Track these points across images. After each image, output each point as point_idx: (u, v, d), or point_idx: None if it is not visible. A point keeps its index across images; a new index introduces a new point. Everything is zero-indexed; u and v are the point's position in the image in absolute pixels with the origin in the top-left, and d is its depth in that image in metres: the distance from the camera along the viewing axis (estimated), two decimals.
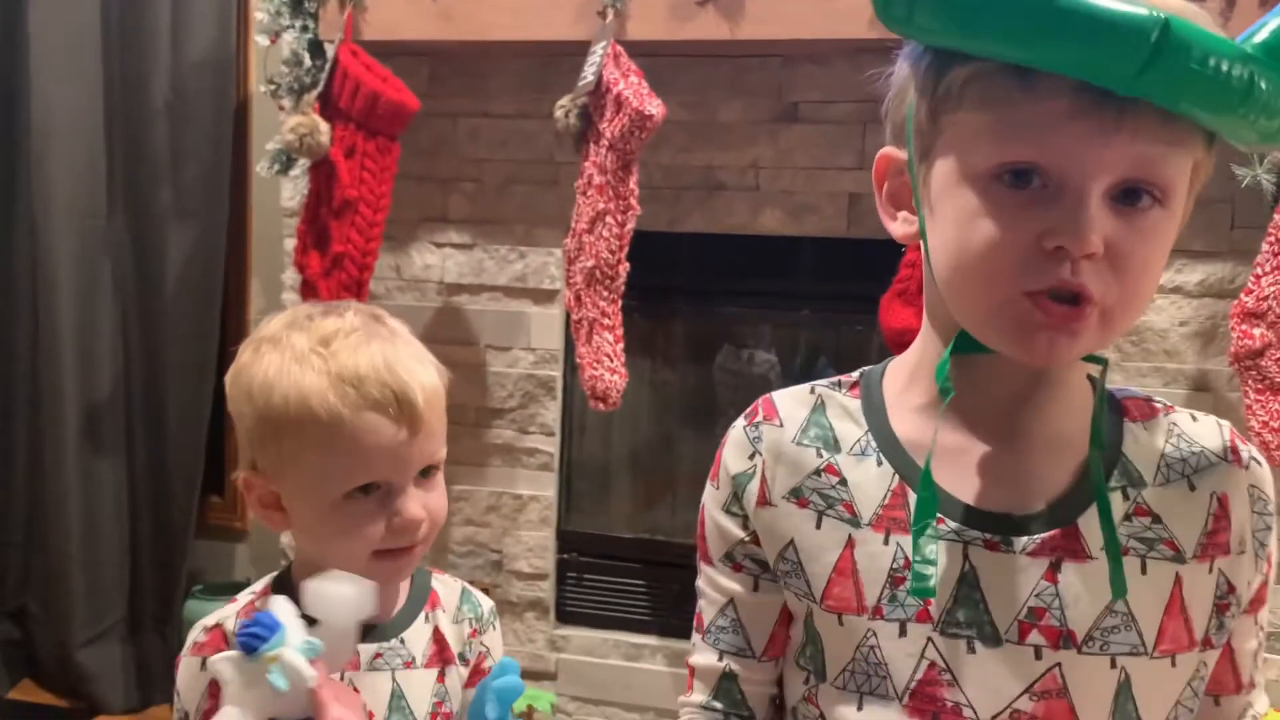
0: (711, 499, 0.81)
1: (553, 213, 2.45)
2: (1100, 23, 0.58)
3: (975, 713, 0.69)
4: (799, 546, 0.76)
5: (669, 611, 2.54)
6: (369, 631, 0.91)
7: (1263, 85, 0.60)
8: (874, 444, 0.75)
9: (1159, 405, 0.76)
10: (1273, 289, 1.95)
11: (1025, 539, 0.70)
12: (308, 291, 2.36)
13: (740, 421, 0.81)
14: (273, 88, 2.42)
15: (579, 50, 2.22)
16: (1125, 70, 0.59)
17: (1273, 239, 1.97)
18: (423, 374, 0.89)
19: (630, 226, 2.20)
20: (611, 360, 2.24)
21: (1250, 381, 1.98)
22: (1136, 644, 0.69)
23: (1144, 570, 0.70)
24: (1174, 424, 0.75)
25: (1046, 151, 0.64)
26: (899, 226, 0.74)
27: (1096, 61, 0.60)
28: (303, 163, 2.37)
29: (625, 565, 2.59)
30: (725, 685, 0.81)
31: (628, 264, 2.21)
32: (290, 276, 2.53)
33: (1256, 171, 1.97)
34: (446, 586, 1.00)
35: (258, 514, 0.92)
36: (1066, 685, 0.69)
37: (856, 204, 2.32)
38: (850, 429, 0.77)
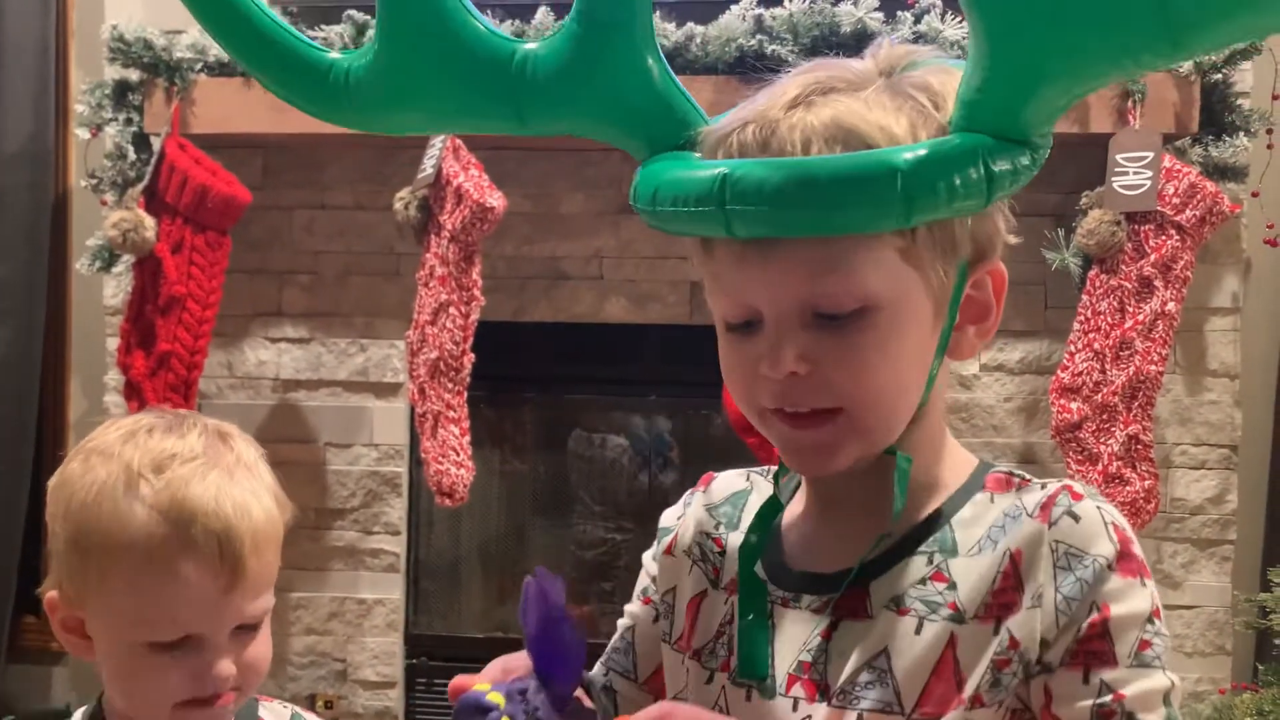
0: (647, 554, 0.89)
1: (394, 304, 2.41)
2: (684, 195, 0.68)
3: None
4: (677, 592, 0.84)
5: None
6: None
7: (838, 190, 0.65)
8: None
9: (1016, 479, 0.75)
10: (1085, 365, 2.08)
11: (812, 597, 0.74)
12: (132, 394, 2.24)
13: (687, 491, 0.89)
14: (94, 182, 2.32)
15: (417, 143, 2.21)
16: (716, 226, 0.67)
17: (1082, 318, 2.10)
18: (259, 515, 0.81)
19: (474, 317, 2.18)
20: (458, 454, 2.19)
21: (1071, 453, 2.09)
22: (890, 702, 0.69)
23: (918, 630, 0.70)
24: (1018, 497, 0.73)
25: (737, 300, 0.71)
26: None
27: (698, 224, 0.69)
28: (126, 259, 2.27)
29: (478, 668, 2.50)
30: (602, 701, 0.86)
31: (473, 355, 2.19)
32: (113, 378, 2.41)
33: (1064, 256, 2.11)
34: (275, 715, 0.93)
35: (60, 638, 0.85)
36: None
37: (698, 292, 2.37)
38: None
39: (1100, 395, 2.06)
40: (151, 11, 2.39)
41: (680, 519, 0.86)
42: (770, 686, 0.73)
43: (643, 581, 0.89)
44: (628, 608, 0.90)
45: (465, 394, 2.20)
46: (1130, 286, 2.05)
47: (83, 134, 2.34)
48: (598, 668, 0.89)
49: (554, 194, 2.40)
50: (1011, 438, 2.31)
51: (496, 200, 2.14)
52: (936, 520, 0.73)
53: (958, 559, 0.71)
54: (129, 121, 2.30)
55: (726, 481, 0.86)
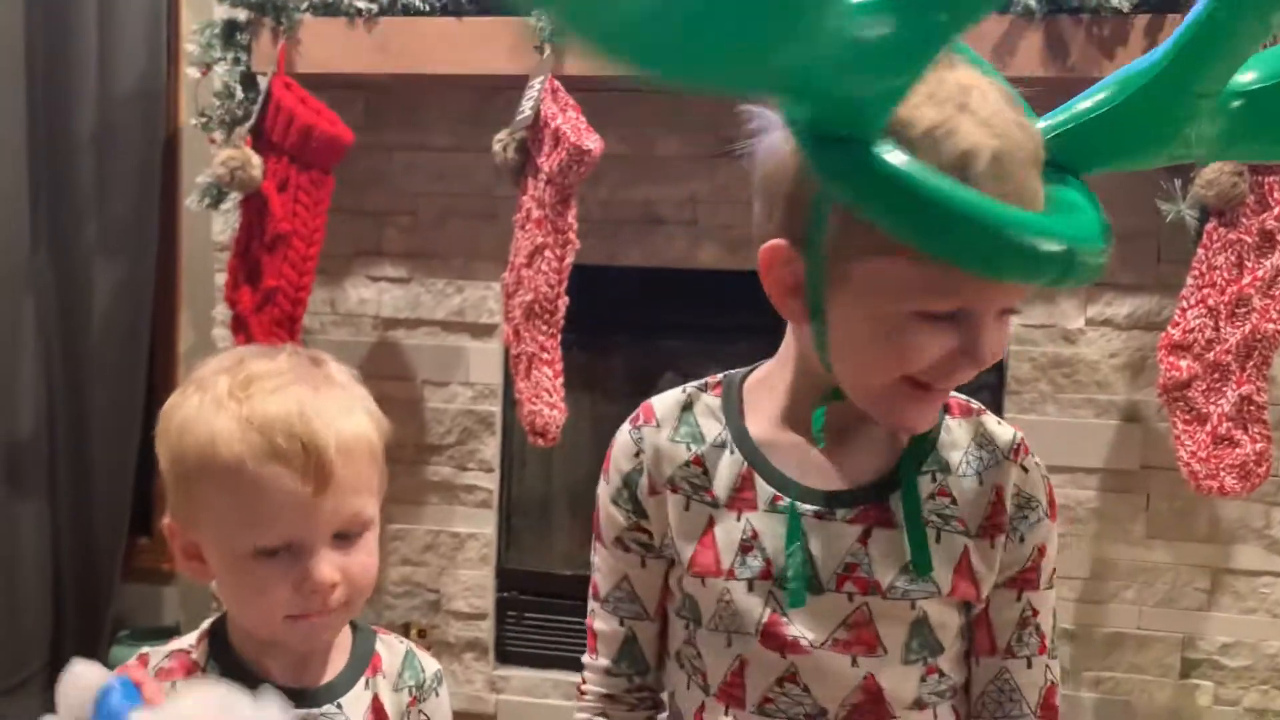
0: (604, 491, 0.99)
1: (491, 246, 2.43)
2: (1029, 256, 0.76)
3: (809, 641, 0.90)
4: (673, 525, 0.94)
5: None
6: (300, 696, 0.87)
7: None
8: (729, 436, 0.94)
9: (974, 406, 0.95)
10: (1198, 322, 2.00)
11: (846, 510, 0.90)
12: (238, 327, 2.31)
13: (626, 425, 0.98)
14: (204, 120, 2.38)
15: (516, 84, 2.21)
16: (1043, 282, 0.81)
17: (1196, 273, 2.01)
18: (345, 424, 0.84)
19: (569, 260, 2.19)
20: (551, 395, 2.22)
21: (1178, 413, 2.02)
22: (932, 590, 0.89)
23: (938, 539, 0.90)
24: (981, 424, 0.94)
25: (963, 300, 0.81)
26: (792, 310, 0.87)
27: (1025, 278, 0.80)
28: (234, 196, 2.33)
29: (566, 603, 2.55)
30: (628, 648, 0.99)
31: (567, 298, 2.20)
32: (221, 312, 2.48)
33: (1180, 207, 2.02)
34: (390, 650, 0.95)
35: (180, 565, 0.89)
36: (872, 617, 0.89)
37: None
38: (711, 424, 0.95)
39: (1212, 353, 1.98)
40: None
41: (638, 457, 0.96)
42: (818, 585, 0.89)
43: (611, 530, 0.98)
44: (606, 555, 0.98)
45: (559, 336, 2.22)
46: (1250, 241, 1.96)
47: (193, 73, 2.40)
48: (608, 618, 0.99)
49: (649, 137, 2.38)
50: (1116, 394, 2.24)
51: (594, 143, 2.13)
52: (924, 444, 0.91)
53: (952, 477, 0.92)
54: (237, 61, 2.34)
55: (668, 406, 0.97)
